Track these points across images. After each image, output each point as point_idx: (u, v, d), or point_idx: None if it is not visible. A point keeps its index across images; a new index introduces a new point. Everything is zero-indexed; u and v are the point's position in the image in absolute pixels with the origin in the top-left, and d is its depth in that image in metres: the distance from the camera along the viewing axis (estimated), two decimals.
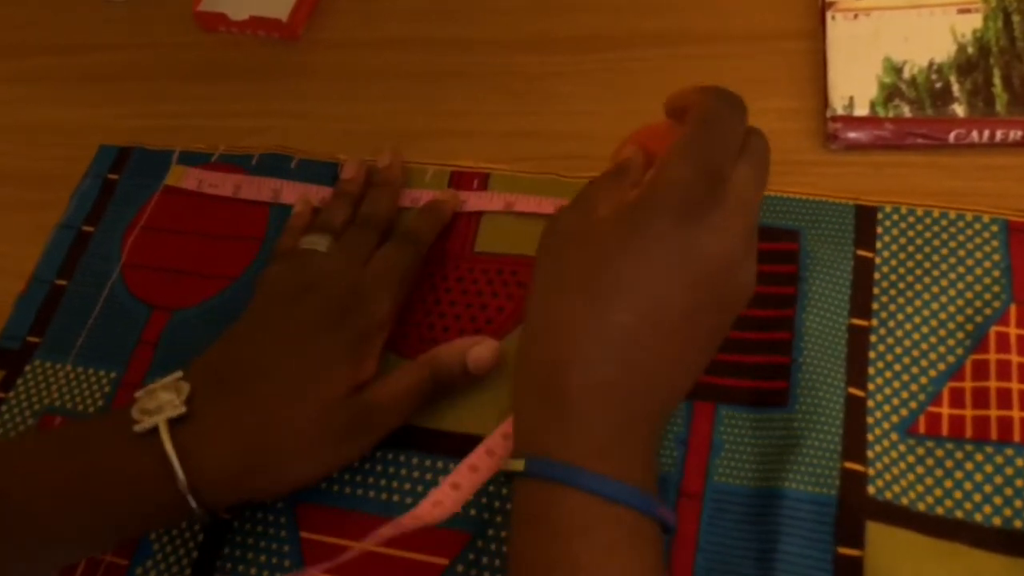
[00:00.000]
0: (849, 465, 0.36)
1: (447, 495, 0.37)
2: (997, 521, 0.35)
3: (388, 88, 0.53)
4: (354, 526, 0.39)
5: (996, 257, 0.40)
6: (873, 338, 0.39)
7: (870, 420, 0.37)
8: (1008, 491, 0.35)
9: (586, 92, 0.50)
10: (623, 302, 0.32)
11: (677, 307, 0.32)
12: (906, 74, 0.44)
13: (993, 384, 0.37)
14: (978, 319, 0.39)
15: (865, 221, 0.42)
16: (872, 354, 0.39)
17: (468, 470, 0.38)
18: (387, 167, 0.48)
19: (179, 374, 0.39)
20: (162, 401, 0.37)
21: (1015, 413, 0.36)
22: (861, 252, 0.41)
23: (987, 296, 0.39)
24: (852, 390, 0.38)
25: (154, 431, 0.36)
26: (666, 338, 0.32)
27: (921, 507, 0.35)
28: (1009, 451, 0.35)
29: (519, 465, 0.32)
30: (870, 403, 0.38)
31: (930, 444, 0.37)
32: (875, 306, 0.40)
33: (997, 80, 0.43)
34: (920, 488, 0.36)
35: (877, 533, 0.35)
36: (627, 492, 0.31)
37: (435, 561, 0.38)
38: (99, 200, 0.52)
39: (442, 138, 0.50)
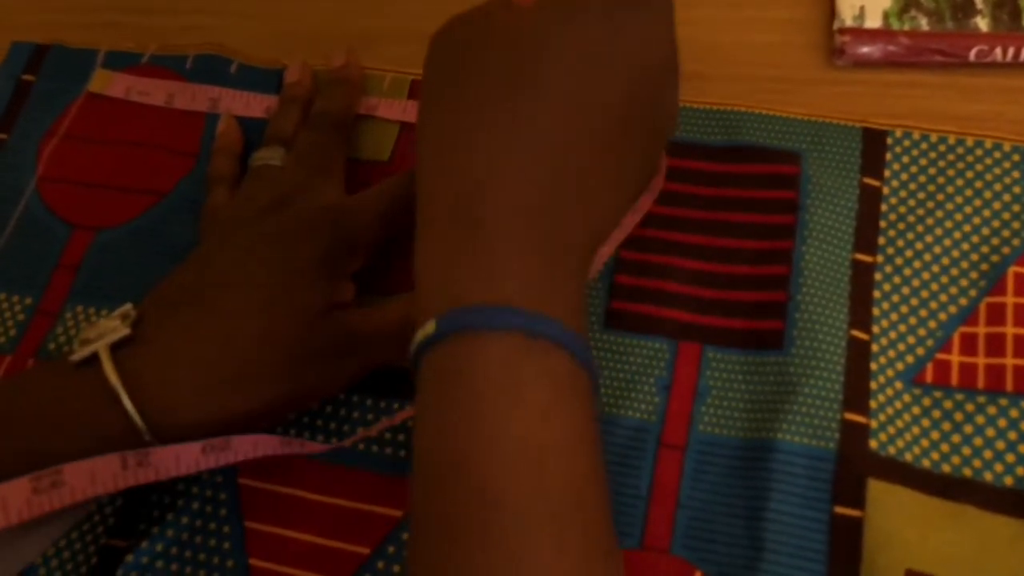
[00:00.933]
0: (850, 416, 0.33)
1: None
2: (1009, 481, 0.31)
3: None
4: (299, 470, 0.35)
5: (1017, 189, 0.36)
6: (878, 276, 0.36)
7: (874, 366, 0.34)
8: (1022, 448, 0.32)
9: None
10: (548, 104, 0.27)
11: (610, 109, 0.28)
12: None
13: (1010, 330, 0.33)
14: (995, 258, 0.35)
15: (873, 146, 0.38)
16: (877, 293, 0.35)
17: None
18: (343, 66, 0.43)
19: (129, 305, 0.34)
20: (104, 328, 0.32)
21: None
22: (868, 180, 0.37)
23: (1006, 233, 0.35)
24: (855, 332, 0.34)
25: (96, 361, 0.31)
26: (598, 149, 0.28)
27: (926, 463, 0.32)
28: None
29: (430, 327, 0.25)
30: (874, 347, 0.34)
31: (938, 395, 0.33)
32: (881, 240, 0.36)
33: None
34: (925, 443, 0.32)
35: (879, 492, 0.31)
36: (562, 332, 0.25)
37: (389, 513, 0.34)
38: (12, 104, 0.46)
39: (401, 42, 0.44)
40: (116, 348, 0.32)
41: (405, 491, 0.34)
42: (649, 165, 0.32)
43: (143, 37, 0.47)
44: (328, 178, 0.38)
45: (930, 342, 0.34)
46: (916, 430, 0.33)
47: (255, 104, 0.44)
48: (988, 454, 0.32)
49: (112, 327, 0.32)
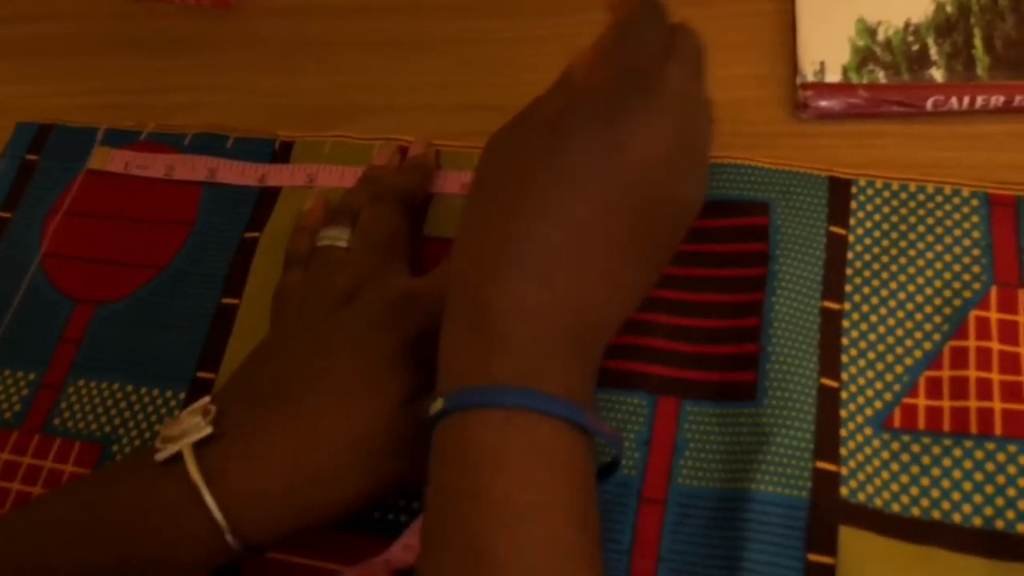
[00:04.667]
0: (821, 464, 0.34)
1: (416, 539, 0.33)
2: (977, 521, 0.32)
3: (328, 59, 0.49)
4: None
5: (976, 234, 0.37)
6: (846, 323, 0.37)
7: (843, 413, 0.35)
8: (989, 488, 0.33)
9: (540, 60, 0.46)
10: (546, 216, 0.30)
11: (606, 220, 0.31)
12: (881, 36, 0.41)
13: (973, 374, 0.34)
14: (956, 302, 0.36)
15: (839, 195, 0.39)
16: (845, 340, 0.36)
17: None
18: (422, 155, 0.44)
19: (207, 399, 0.34)
20: (186, 425, 0.33)
21: (996, 404, 0.33)
22: (834, 229, 0.38)
23: (966, 277, 0.36)
24: (825, 380, 0.35)
25: (179, 459, 0.32)
26: (594, 254, 0.31)
27: (896, 508, 0.33)
28: (990, 445, 0.33)
29: (439, 404, 0.30)
30: (843, 394, 0.35)
31: (906, 439, 0.34)
32: (848, 288, 0.37)
33: (978, 42, 0.40)
34: (895, 487, 0.33)
35: (850, 538, 0.32)
36: (547, 401, 0.29)
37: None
38: (16, 183, 0.48)
39: (387, 112, 0.47)
40: (199, 445, 0.32)
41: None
42: (660, 255, 0.34)
43: (142, 116, 0.49)
44: (395, 260, 0.39)
45: (897, 387, 0.35)
46: (886, 475, 0.34)
47: (250, 173, 0.46)
48: (956, 496, 0.33)
49: (194, 424, 0.33)
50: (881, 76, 0.40)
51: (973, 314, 0.36)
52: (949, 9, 0.41)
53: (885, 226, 0.38)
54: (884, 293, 0.37)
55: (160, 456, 0.32)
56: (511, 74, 0.47)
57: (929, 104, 0.40)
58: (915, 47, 0.41)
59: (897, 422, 0.34)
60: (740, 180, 0.40)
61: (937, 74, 0.40)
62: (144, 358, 0.42)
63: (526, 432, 0.29)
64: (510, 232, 0.31)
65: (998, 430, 0.33)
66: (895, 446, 0.34)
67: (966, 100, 0.39)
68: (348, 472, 0.33)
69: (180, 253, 0.44)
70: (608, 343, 0.33)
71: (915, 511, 0.33)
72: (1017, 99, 0.39)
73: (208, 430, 0.33)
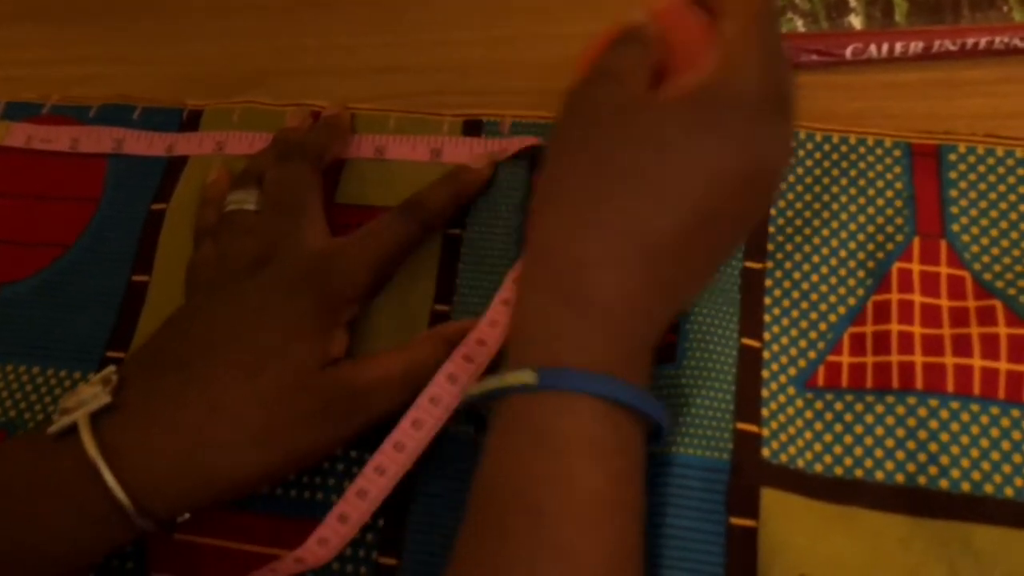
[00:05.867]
0: (742, 426, 0.33)
1: (334, 530, 0.32)
2: (900, 478, 0.32)
3: (233, 24, 0.47)
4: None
5: (899, 185, 0.36)
6: (769, 282, 0.36)
7: (765, 374, 0.34)
8: (911, 444, 0.32)
9: (456, 18, 0.45)
10: (672, 203, 0.29)
11: (720, 214, 0.29)
12: None
13: (895, 327, 0.33)
14: (880, 255, 0.35)
15: None
16: (768, 300, 0.35)
17: (356, 496, 0.32)
18: (335, 115, 0.42)
19: (111, 368, 0.33)
20: (85, 396, 0.31)
21: (917, 358, 0.33)
22: None
23: (889, 229, 0.36)
24: (746, 340, 0.34)
25: (75, 431, 0.30)
26: (697, 247, 0.30)
27: (818, 468, 0.32)
28: (911, 400, 0.32)
29: (528, 377, 0.27)
30: (766, 354, 0.34)
31: (829, 397, 0.33)
32: (771, 246, 0.36)
33: None
34: (818, 447, 0.33)
35: (772, 500, 0.31)
36: (642, 398, 0.28)
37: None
38: None
39: (297, 77, 0.45)
40: (97, 416, 0.31)
41: (293, 530, 0.34)
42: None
43: (43, 88, 0.47)
44: (309, 219, 0.36)
45: (821, 344, 0.34)
46: (808, 435, 0.33)
47: (157, 143, 0.44)
48: (879, 453, 0.32)
49: (93, 394, 0.31)
50: (800, 24, 0.39)
51: (896, 267, 0.35)
52: None
53: (808, 179, 0.37)
54: (807, 249, 0.36)
55: (53, 428, 0.31)
56: (421, 33, 0.45)
57: (848, 52, 0.39)
58: None
59: (820, 380, 0.34)
60: None
61: (856, 21, 0.39)
62: (51, 340, 0.40)
63: (623, 426, 0.28)
64: (636, 216, 0.29)
65: (919, 384, 0.32)
66: (818, 405, 0.33)
67: (885, 47, 0.38)
68: (255, 441, 0.32)
69: (87, 230, 0.42)
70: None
71: (838, 470, 0.32)
72: (936, 45, 0.38)
73: (106, 399, 0.31)
